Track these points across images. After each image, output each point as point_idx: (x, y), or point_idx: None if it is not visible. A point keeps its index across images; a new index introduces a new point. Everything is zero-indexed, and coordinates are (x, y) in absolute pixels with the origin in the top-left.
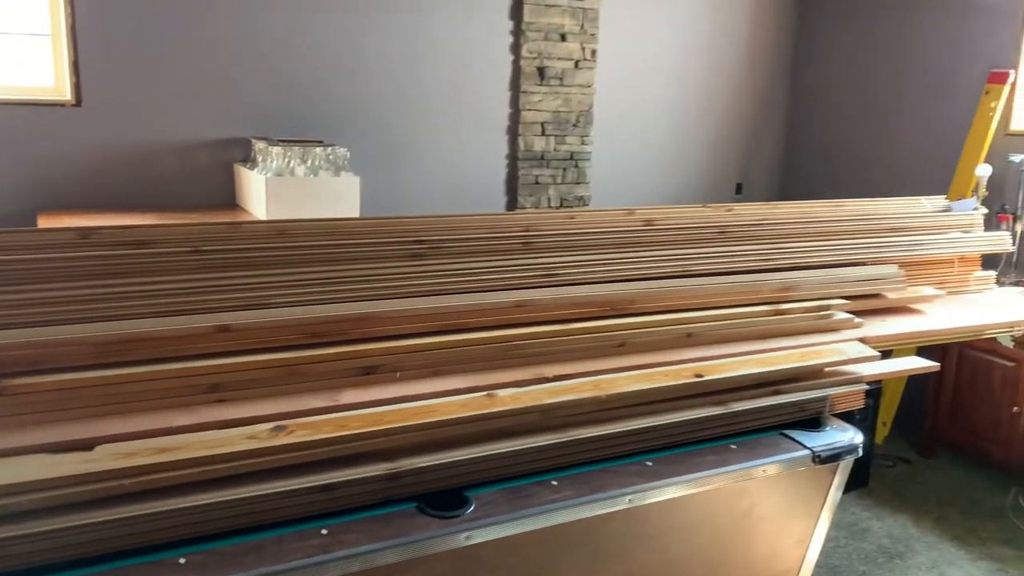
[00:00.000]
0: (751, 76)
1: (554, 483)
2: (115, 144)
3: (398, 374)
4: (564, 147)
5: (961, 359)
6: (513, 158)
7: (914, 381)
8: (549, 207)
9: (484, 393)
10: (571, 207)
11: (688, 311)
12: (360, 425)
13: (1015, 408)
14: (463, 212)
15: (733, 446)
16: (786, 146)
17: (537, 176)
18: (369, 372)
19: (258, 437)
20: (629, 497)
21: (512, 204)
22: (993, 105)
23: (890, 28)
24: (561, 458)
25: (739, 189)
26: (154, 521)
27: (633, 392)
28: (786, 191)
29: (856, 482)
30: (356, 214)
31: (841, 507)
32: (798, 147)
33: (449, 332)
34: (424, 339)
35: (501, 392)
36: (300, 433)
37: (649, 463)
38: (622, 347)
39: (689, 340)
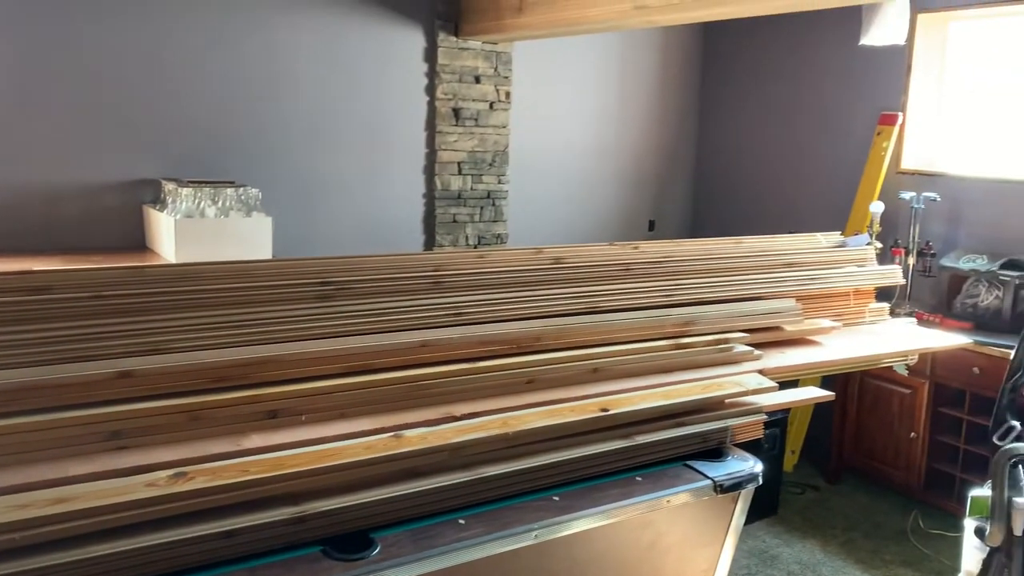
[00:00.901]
0: (660, 117)
1: (461, 521)
2: (18, 186)
3: (303, 417)
4: (481, 186)
5: (862, 388)
6: (430, 197)
7: (821, 410)
8: (467, 245)
9: (391, 434)
10: (489, 245)
11: (594, 347)
12: (263, 469)
13: (912, 434)
14: (381, 251)
15: (638, 478)
16: (695, 184)
17: (455, 215)
18: (274, 416)
19: (157, 484)
20: (535, 532)
21: (430, 243)
22: (884, 145)
23: (789, 72)
24: (469, 496)
25: (652, 226)
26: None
27: (540, 428)
28: (697, 227)
29: (766, 510)
30: (268, 255)
31: (752, 535)
32: (707, 185)
33: (356, 373)
34: (330, 381)
35: (408, 432)
36: (201, 479)
37: (556, 498)
38: (531, 384)
39: (595, 375)
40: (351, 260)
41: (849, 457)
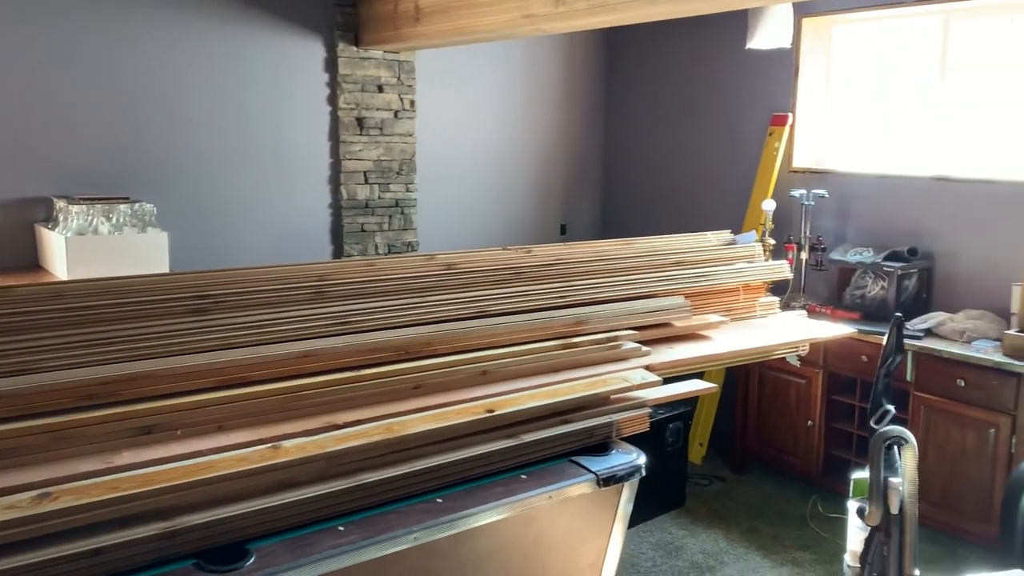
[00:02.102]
0: (567, 122)
1: (340, 528)
2: None
3: (179, 432)
4: (389, 195)
5: (762, 380)
6: (337, 207)
7: (727, 403)
8: (377, 254)
9: (268, 445)
10: (400, 253)
11: (484, 350)
12: (133, 486)
13: (809, 422)
14: (277, 263)
15: (523, 476)
16: (605, 188)
17: (363, 224)
18: (148, 431)
19: (19, 506)
20: (415, 535)
21: (338, 253)
22: (776, 145)
23: (687, 77)
24: (352, 503)
25: (564, 230)
26: None
27: (424, 432)
28: (607, 230)
29: (673, 502)
30: (166, 271)
31: (659, 527)
32: (615, 189)
33: (234, 386)
34: (207, 395)
35: (287, 443)
36: (66, 498)
37: (440, 500)
38: (418, 389)
39: (484, 378)
40: (228, 273)
41: (753, 447)
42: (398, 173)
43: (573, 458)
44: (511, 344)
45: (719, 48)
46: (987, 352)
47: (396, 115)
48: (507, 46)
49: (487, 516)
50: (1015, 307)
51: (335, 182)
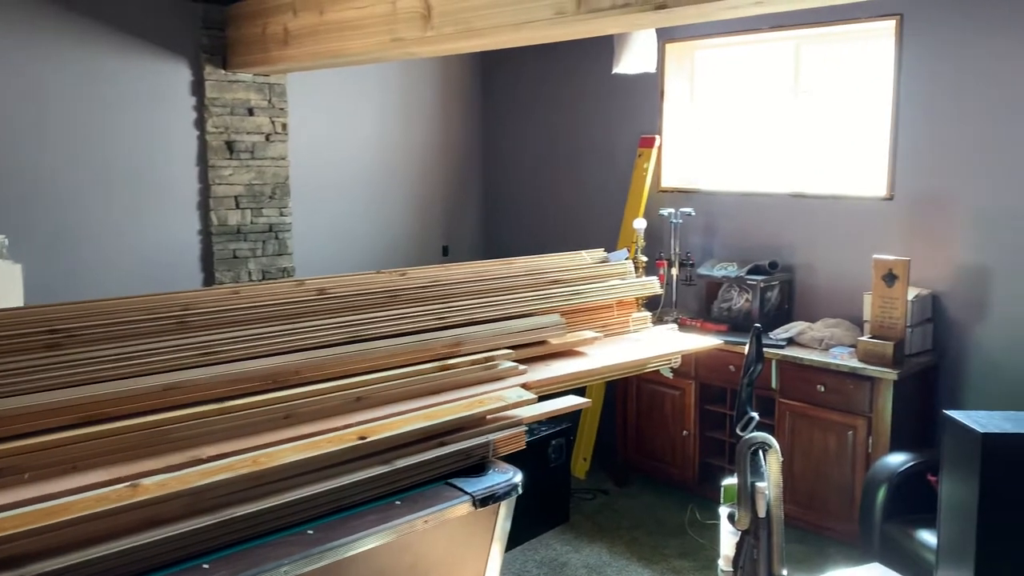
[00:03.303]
0: (445, 143)
1: (205, 566)
2: None
3: (26, 475)
4: (262, 219)
5: (639, 392)
6: (207, 233)
7: (608, 416)
8: (250, 281)
9: (127, 484)
10: (274, 279)
11: (358, 375)
12: None
13: (684, 432)
14: (141, 294)
15: (398, 502)
16: (485, 209)
17: (235, 250)
18: None
19: None
20: (284, 569)
21: (209, 280)
22: (645, 166)
23: (560, 99)
24: (220, 539)
25: (446, 251)
26: None
27: (292, 463)
28: (490, 250)
29: (558, 518)
30: (20, 304)
31: (544, 544)
32: (496, 209)
33: (90, 423)
34: (59, 434)
35: (147, 480)
36: None
37: (311, 531)
38: (288, 418)
39: (359, 404)
40: (84, 305)
41: (634, 459)
42: (271, 197)
43: (449, 480)
44: (387, 368)
45: (589, 72)
46: (844, 358)
47: (268, 138)
48: (381, 67)
49: (360, 545)
50: (867, 315)
51: (204, 208)
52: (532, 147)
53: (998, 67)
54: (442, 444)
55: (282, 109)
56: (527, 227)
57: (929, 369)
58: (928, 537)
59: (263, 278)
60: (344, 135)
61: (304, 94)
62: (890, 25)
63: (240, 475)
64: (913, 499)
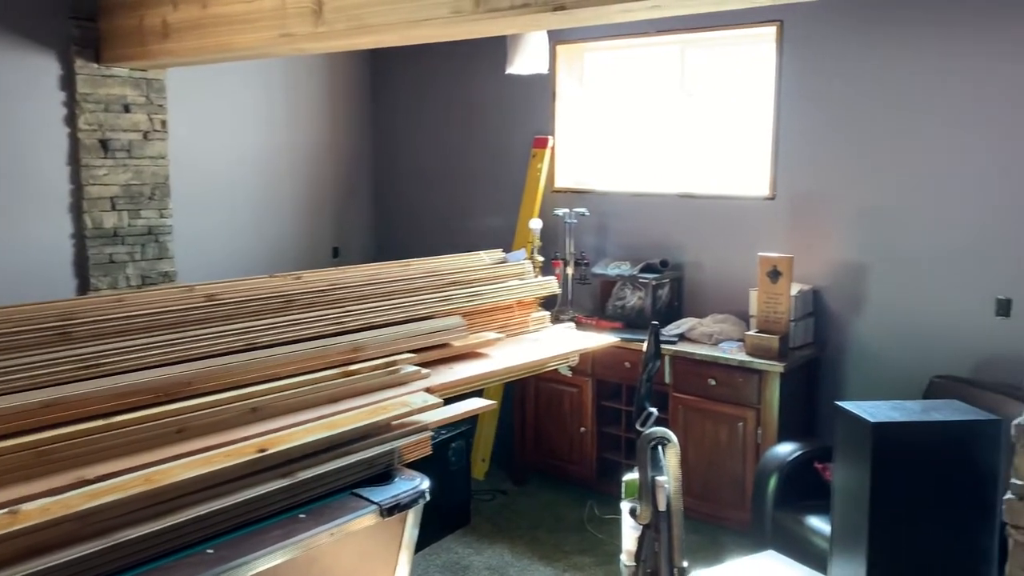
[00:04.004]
0: (334, 142)
1: None
2: None
3: None
4: (140, 222)
5: (538, 391)
6: (80, 237)
7: (506, 416)
8: (129, 287)
9: (5, 511)
10: (155, 285)
11: (254, 385)
12: None
13: (582, 428)
14: (11, 304)
15: (302, 515)
16: (377, 209)
17: (111, 254)
18: None
19: None
20: None
21: (84, 287)
22: (539, 166)
23: (453, 99)
24: (112, 564)
25: (336, 253)
26: None
27: (188, 479)
28: (382, 252)
29: (459, 521)
30: None
31: (445, 549)
32: (388, 210)
33: None
34: None
35: (28, 506)
36: None
37: (210, 551)
38: (181, 432)
39: (256, 415)
40: None
41: (533, 458)
42: (150, 198)
43: (355, 490)
44: (284, 377)
45: (483, 72)
46: (732, 352)
47: (146, 136)
48: (267, 63)
49: (263, 562)
50: (753, 310)
51: (77, 210)
52: (425, 147)
53: (872, 75)
54: (346, 454)
55: (161, 106)
56: (420, 228)
57: (811, 361)
58: (817, 523)
59: (143, 284)
60: (228, 133)
61: (184, 90)
62: (771, 31)
63: (131, 495)
64: (802, 487)
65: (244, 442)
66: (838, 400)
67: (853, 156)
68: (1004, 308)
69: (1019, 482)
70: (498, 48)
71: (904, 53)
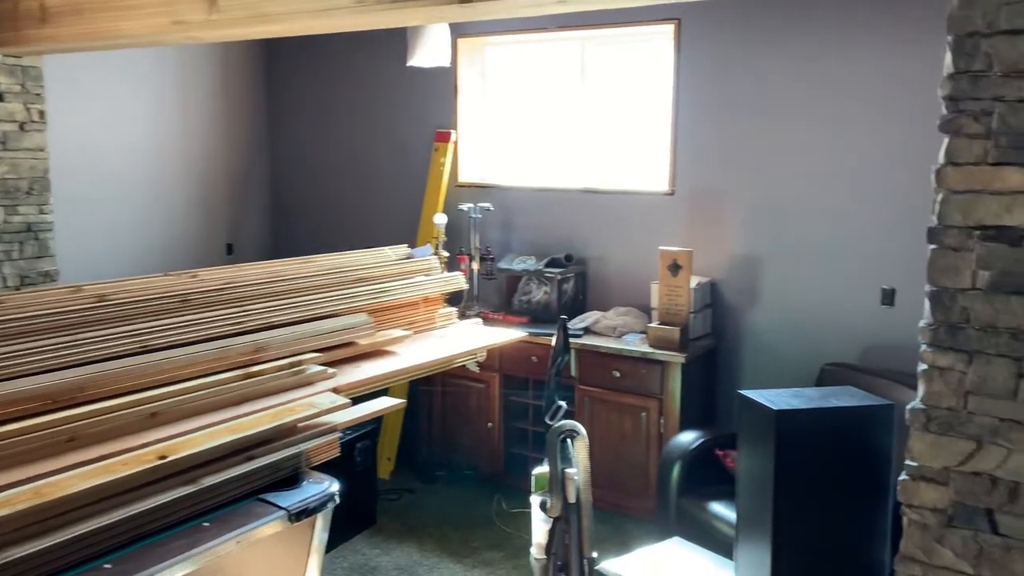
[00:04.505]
0: (228, 135)
1: None
2: None
3: None
4: (18, 218)
5: (445, 388)
6: None
7: (412, 415)
8: (6, 288)
9: None
10: (35, 285)
11: (152, 389)
12: None
13: (489, 424)
14: None
15: (206, 524)
16: (273, 205)
17: None
18: None
19: None
20: None
21: None
22: (442, 161)
23: (352, 92)
24: None
25: (230, 250)
26: None
27: (83, 491)
28: (279, 249)
29: (365, 522)
30: None
31: (352, 550)
32: (285, 206)
33: None
34: None
35: None
36: None
37: (108, 565)
38: (73, 441)
39: (155, 420)
40: None
41: (440, 455)
42: (28, 193)
43: (262, 496)
44: (184, 380)
45: (385, 64)
46: (635, 344)
47: (22, 127)
48: (156, 52)
49: (166, 574)
50: (655, 303)
51: None
52: (324, 140)
53: (765, 75)
54: (251, 458)
55: (38, 95)
56: (320, 223)
57: (710, 351)
58: (720, 509)
59: (21, 284)
60: (114, 125)
61: (65, 79)
62: (669, 29)
63: (19, 510)
64: (704, 474)
65: (143, 449)
66: (735, 388)
67: (748, 153)
68: (889, 298)
69: (913, 463)
70: (399, 40)
71: (794, 54)
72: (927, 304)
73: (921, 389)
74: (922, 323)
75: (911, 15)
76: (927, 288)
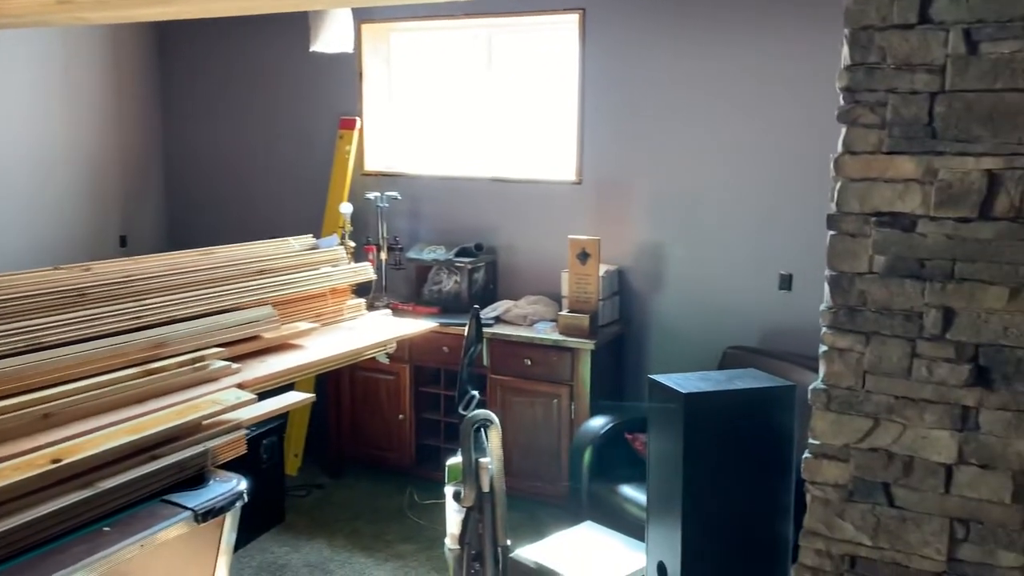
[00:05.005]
0: (118, 122)
1: None
2: None
3: None
4: None
5: (353, 381)
6: None
7: (319, 409)
8: None
9: None
10: None
11: (43, 389)
12: None
13: (400, 416)
14: None
15: (107, 528)
16: (169, 195)
17: None
18: None
19: None
20: None
21: None
22: (347, 149)
23: (251, 78)
24: None
25: (124, 242)
26: None
27: None
28: (176, 242)
29: (273, 519)
30: None
31: (260, 549)
32: (182, 195)
33: None
34: None
35: None
36: None
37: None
38: None
39: (47, 421)
40: None
41: (349, 449)
42: None
43: (166, 497)
44: (79, 378)
45: (286, 50)
46: (546, 332)
47: None
48: (38, 33)
49: None
50: (564, 291)
51: None
52: (223, 128)
53: (668, 66)
54: (153, 458)
55: None
56: (220, 214)
57: (618, 337)
58: (630, 492)
59: None
60: None
61: None
62: (574, 19)
63: None
64: (614, 458)
65: (35, 452)
66: (643, 373)
67: (652, 142)
68: (786, 283)
69: (816, 442)
70: (300, 25)
71: (694, 45)
72: (827, 288)
73: (822, 370)
74: (822, 306)
75: (810, 7)
76: (827, 272)
